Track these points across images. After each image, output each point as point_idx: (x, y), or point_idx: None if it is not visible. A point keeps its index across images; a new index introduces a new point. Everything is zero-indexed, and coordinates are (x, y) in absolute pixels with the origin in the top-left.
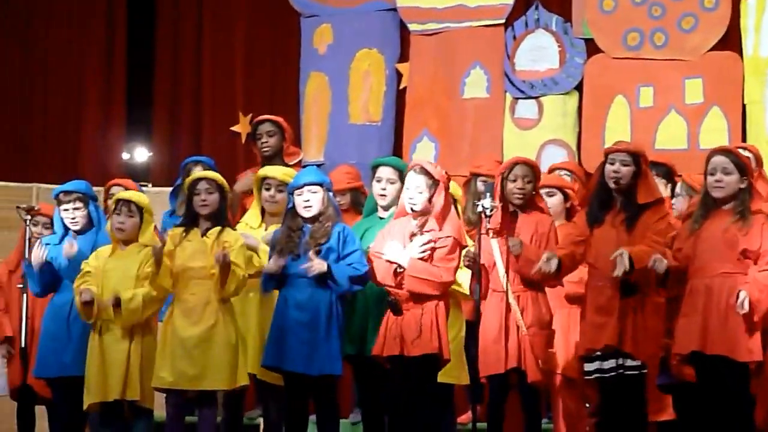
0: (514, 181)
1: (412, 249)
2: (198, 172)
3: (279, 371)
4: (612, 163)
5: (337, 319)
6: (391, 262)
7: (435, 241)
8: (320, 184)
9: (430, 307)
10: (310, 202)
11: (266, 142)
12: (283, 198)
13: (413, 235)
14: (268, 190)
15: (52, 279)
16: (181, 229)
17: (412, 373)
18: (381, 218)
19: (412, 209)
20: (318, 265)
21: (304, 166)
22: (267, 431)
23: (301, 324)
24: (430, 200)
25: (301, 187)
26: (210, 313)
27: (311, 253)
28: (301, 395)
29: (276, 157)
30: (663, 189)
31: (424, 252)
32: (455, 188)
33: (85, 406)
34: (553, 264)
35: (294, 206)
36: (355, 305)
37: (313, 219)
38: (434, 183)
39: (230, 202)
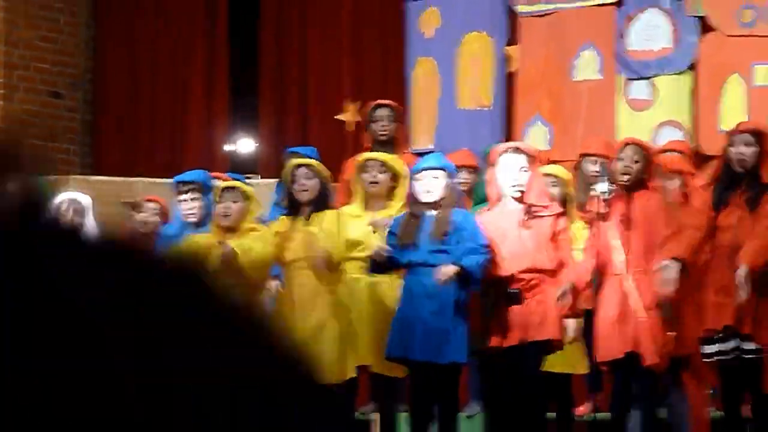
0: (622, 160)
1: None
2: (296, 159)
3: (405, 362)
4: (735, 145)
5: (464, 307)
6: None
7: (554, 225)
8: (442, 170)
9: (552, 292)
10: (431, 187)
11: (386, 125)
12: (385, 180)
13: (525, 222)
14: (369, 173)
15: None
16: (288, 218)
17: (530, 356)
18: None
19: (520, 191)
20: (447, 272)
21: (420, 154)
22: (384, 426)
23: (429, 313)
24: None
25: (422, 171)
26: (320, 305)
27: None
28: (428, 386)
29: (389, 144)
30: None
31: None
32: (563, 171)
33: None
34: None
35: (415, 191)
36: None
37: (434, 205)
38: (532, 160)
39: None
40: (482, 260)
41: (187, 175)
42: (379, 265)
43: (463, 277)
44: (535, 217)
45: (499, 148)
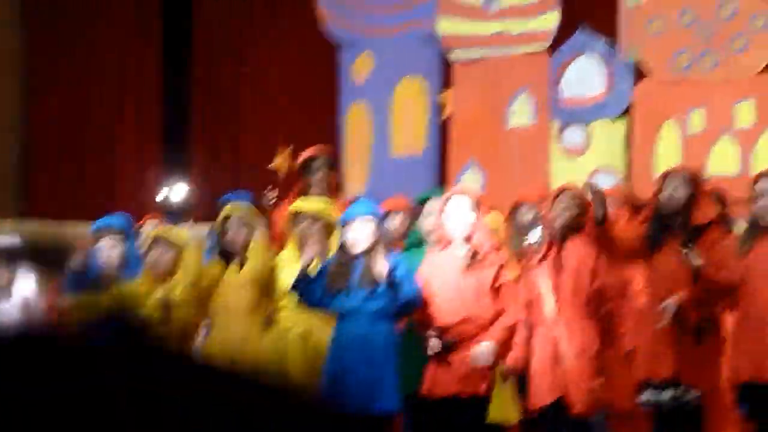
0: (557, 206)
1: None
2: (229, 207)
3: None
4: (668, 186)
5: (395, 355)
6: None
7: (498, 276)
8: (372, 217)
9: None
10: (360, 235)
11: (323, 175)
12: (318, 231)
13: (469, 268)
14: (301, 223)
15: None
16: (221, 263)
17: (471, 412)
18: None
19: (463, 236)
20: (381, 271)
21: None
22: None
23: (360, 361)
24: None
25: (353, 219)
26: (248, 352)
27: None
28: None
29: (327, 192)
30: None
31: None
32: (496, 219)
33: None
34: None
35: (345, 239)
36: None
37: (364, 252)
38: (476, 205)
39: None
40: (416, 292)
41: (108, 221)
42: (303, 283)
43: (393, 289)
44: (480, 265)
45: (444, 195)
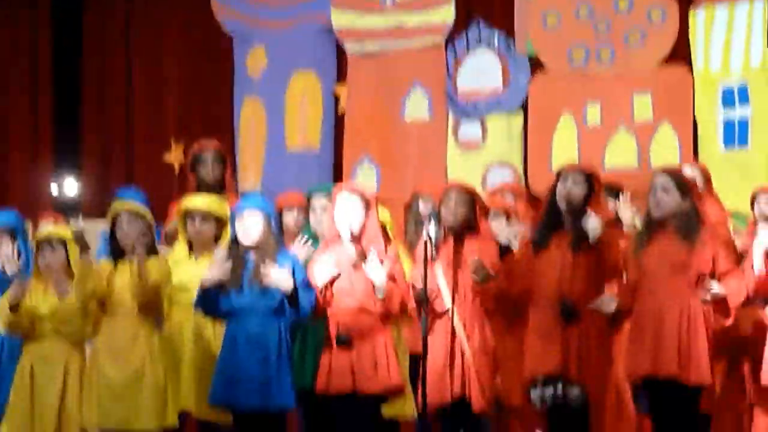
0: (446, 204)
1: (374, 270)
2: (118, 203)
3: (230, 409)
4: (564, 183)
5: (289, 351)
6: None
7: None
8: (261, 210)
9: (382, 340)
10: (250, 229)
11: (211, 169)
12: (209, 228)
13: (358, 264)
14: (192, 222)
15: None
16: (110, 263)
17: (368, 409)
18: None
19: (351, 234)
20: (283, 279)
21: (242, 195)
22: None
23: (253, 358)
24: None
25: (242, 212)
26: (138, 352)
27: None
28: None
29: (217, 186)
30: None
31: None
32: (384, 213)
33: None
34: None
35: (235, 233)
36: (306, 338)
37: (255, 247)
38: (367, 204)
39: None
40: (312, 297)
41: None
42: (207, 296)
43: (291, 298)
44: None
45: (335, 189)
